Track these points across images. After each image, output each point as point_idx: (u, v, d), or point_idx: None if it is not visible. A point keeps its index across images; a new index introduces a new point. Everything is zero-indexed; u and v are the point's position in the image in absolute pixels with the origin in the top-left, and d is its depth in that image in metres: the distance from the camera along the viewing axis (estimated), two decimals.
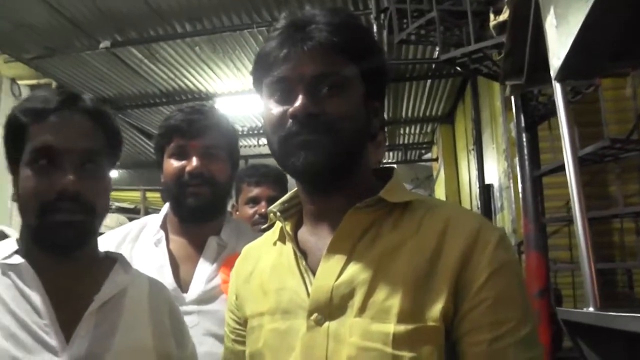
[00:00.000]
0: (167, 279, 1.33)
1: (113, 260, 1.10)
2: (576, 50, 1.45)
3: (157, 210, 1.79)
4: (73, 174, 0.96)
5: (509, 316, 0.78)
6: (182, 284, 1.37)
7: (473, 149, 5.50)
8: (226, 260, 1.41)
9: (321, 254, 0.87)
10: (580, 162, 2.14)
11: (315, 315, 0.83)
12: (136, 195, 6.72)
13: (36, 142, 0.98)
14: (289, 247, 0.92)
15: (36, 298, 0.97)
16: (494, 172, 4.94)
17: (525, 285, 0.87)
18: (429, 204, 0.90)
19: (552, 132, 3.11)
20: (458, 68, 3.07)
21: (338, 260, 0.85)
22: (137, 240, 1.47)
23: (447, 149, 7.50)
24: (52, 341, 0.94)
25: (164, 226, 1.48)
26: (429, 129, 8.36)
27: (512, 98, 2.93)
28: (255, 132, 7.87)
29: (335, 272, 0.84)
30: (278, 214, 0.95)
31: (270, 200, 2.12)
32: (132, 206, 6.50)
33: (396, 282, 0.81)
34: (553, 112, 2.35)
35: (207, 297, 1.35)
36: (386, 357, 0.77)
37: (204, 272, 1.39)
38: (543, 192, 3.09)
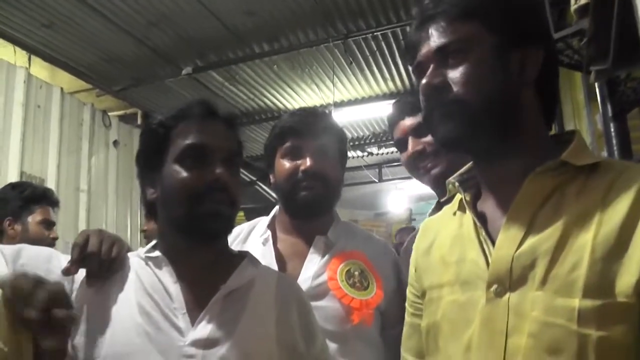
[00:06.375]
0: None
1: (242, 256, 1.19)
2: None
3: None
4: (222, 168, 1.06)
5: None
6: None
7: None
8: (334, 258, 1.44)
9: (501, 223, 0.82)
10: None
11: (495, 286, 0.78)
12: None
13: (188, 140, 1.09)
14: (468, 217, 0.90)
15: (169, 285, 1.07)
16: None
17: None
18: (620, 166, 0.81)
19: None
20: None
21: (519, 228, 0.80)
22: (246, 240, 1.54)
23: None
24: (180, 322, 1.03)
25: (271, 226, 1.55)
26: None
27: (597, 88, 2.83)
28: None
29: (516, 241, 0.79)
30: (457, 184, 0.94)
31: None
32: None
33: (582, 253, 0.73)
34: None
35: (314, 294, 1.37)
36: (571, 335, 0.70)
37: (310, 269, 1.43)
38: None
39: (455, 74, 0.84)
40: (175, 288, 1.07)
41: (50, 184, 4.66)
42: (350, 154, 8.06)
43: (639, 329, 0.69)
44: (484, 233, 0.85)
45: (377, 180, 8.86)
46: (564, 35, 2.56)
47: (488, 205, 0.90)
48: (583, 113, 4.41)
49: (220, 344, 1.02)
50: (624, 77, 2.47)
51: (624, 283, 0.69)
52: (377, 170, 8.74)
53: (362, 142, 7.57)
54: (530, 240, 0.78)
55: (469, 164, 0.96)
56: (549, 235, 0.77)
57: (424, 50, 0.88)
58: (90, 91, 5.74)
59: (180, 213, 1.07)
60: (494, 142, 0.86)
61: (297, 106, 6.25)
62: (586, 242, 0.73)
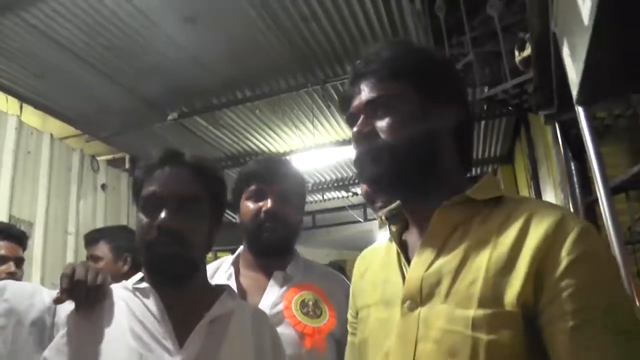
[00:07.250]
0: None
1: (222, 290, 1.31)
2: (588, 74, 1.51)
3: None
4: (168, 214, 1.18)
5: (593, 303, 0.77)
6: None
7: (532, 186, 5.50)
8: (290, 289, 1.58)
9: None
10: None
11: (408, 302, 0.90)
12: (208, 255, 6.96)
13: (144, 191, 1.22)
14: (394, 245, 1.03)
15: (157, 312, 1.19)
16: None
17: (619, 275, 0.84)
18: (519, 200, 0.93)
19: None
20: (503, 105, 3.14)
21: (429, 253, 0.92)
22: (212, 278, 1.65)
23: (508, 188, 7.42)
24: (169, 345, 1.14)
25: (235, 264, 1.69)
26: (489, 170, 8.27)
27: (558, 130, 2.99)
28: (320, 187, 8.01)
29: (426, 263, 0.91)
30: (384, 217, 1.07)
31: None
32: None
33: (479, 271, 0.84)
34: (599, 138, 2.36)
35: (272, 321, 1.45)
36: (466, 339, 0.81)
37: (269, 299, 1.55)
38: (597, 222, 3.04)
39: (382, 124, 0.96)
40: (162, 315, 1.18)
41: (39, 227, 4.76)
42: (335, 194, 8.20)
43: (523, 334, 0.81)
44: (403, 258, 0.99)
45: (362, 220, 8.97)
46: (519, 81, 2.75)
47: (411, 236, 1.02)
48: (552, 152, 4.59)
49: None
50: (573, 121, 2.64)
51: (510, 295, 0.81)
52: (362, 210, 8.85)
53: (346, 182, 7.71)
54: (438, 262, 0.90)
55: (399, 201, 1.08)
56: (453, 257, 0.89)
57: (356, 102, 1.00)
58: (80, 137, 5.88)
59: (143, 257, 1.21)
60: (415, 182, 0.97)
61: (279, 149, 6.41)
62: (482, 263, 0.85)
